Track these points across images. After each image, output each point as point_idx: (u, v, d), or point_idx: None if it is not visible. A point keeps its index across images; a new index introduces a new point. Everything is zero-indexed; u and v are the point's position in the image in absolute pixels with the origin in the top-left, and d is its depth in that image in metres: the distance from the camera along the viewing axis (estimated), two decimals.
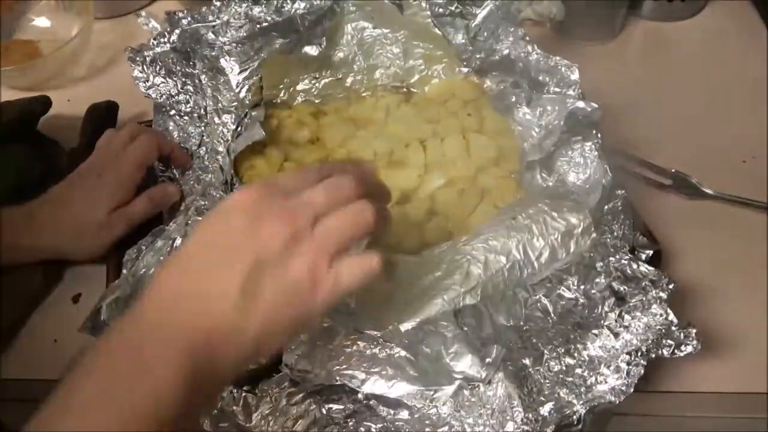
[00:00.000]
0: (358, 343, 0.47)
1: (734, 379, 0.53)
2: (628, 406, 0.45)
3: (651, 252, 0.54)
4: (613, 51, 0.82)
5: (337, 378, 0.46)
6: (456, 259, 0.49)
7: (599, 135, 0.54)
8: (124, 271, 0.54)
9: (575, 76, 0.57)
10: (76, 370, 0.33)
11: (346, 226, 0.37)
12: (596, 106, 0.53)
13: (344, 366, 0.47)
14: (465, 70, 0.68)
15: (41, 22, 0.87)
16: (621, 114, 0.70)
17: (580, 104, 0.53)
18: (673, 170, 0.66)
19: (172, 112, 0.64)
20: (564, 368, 0.46)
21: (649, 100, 0.74)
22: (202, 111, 0.64)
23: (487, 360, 0.46)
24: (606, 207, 0.53)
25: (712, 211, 0.64)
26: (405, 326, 0.47)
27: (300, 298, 0.36)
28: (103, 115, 0.70)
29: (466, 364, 0.46)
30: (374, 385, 0.46)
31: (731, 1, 0.87)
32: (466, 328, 0.48)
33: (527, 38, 0.60)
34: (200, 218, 0.56)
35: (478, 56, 0.62)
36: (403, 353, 0.47)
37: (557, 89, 0.57)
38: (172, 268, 0.37)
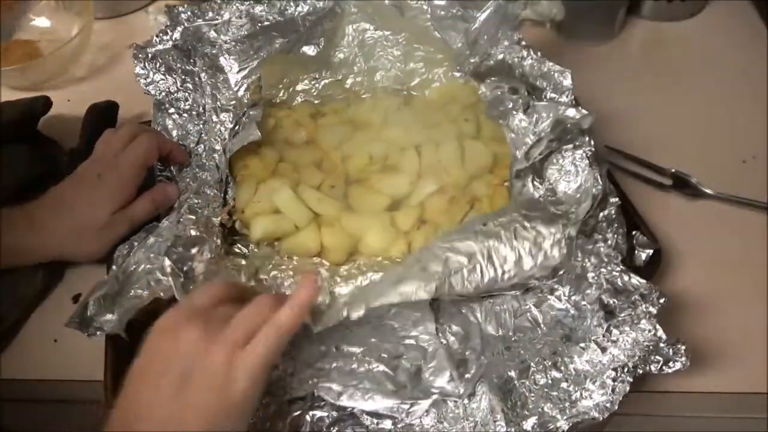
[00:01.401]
0: (338, 359, 0.48)
1: (734, 378, 0.53)
2: (628, 406, 0.45)
3: (651, 252, 0.53)
4: (613, 51, 0.82)
5: (315, 391, 0.46)
6: (417, 257, 0.49)
7: (591, 142, 0.53)
8: (114, 267, 0.53)
9: (568, 81, 0.54)
10: None
11: (252, 316, 0.42)
12: (586, 112, 0.51)
13: (323, 379, 0.47)
14: (459, 74, 0.67)
15: (41, 22, 0.87)
16: (621, 114, 0.71)
17: (570, 111, 0.51)
18: (673, 170, 0.66)
19: (171, 109, 0.64)
20: (550, 382, 0.46)
21: (649, 101, 0.74)
22: (201, 109, 0.64)
23: (466, 376, 0.46)
24: (601, 215, 0.53)
25: (712, 211, 0.64)
26: (354, 315, 0.45)
27: (220, 382, 0.40)
28: (103, 115, 0.70)
29: (444, 380, 0.46)
30: (350, 399, 0.46)
31: (731, 1, 0.87)
32: (447, 341, 0.48)
33: (523, 42, 0.58)
34: (192, 216, 0.56)
35: (472, 60, 0.60)
36: (382, 368, 0.47)
37: (554, 95, 0.55)
38: (130, 384, 0.43)
